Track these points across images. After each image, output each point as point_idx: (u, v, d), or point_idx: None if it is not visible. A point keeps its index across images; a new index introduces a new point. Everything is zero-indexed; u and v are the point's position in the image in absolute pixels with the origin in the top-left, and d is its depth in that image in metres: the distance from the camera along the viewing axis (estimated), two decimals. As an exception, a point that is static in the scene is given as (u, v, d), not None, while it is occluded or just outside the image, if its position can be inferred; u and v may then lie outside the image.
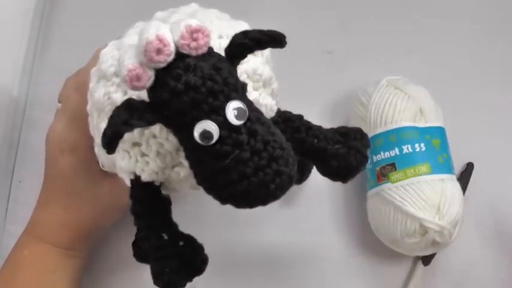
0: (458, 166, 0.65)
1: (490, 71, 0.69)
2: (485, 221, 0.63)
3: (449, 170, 0.60)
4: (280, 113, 0.48)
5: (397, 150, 0.59)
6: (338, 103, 0.67)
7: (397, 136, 0.59)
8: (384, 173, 0.59)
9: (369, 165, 0.60)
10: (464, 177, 0.64)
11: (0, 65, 0.66)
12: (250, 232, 0.63)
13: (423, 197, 0.57)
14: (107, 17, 0.71)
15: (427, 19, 0.70)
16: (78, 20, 0.71)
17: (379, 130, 0.60)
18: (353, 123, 0.62)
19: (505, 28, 0.70)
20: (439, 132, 0.61)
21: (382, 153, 0.60)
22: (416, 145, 0.59)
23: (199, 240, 0.45)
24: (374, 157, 0.60)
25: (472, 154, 0.66)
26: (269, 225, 0.63)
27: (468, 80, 0.69)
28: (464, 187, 0.64)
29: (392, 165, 0.59)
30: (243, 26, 0.47)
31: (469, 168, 0.65)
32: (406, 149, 0.59)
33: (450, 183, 0.59)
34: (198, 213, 0.61)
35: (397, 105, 0.60)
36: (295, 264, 0.63)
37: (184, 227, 0.45)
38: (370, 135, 0.56)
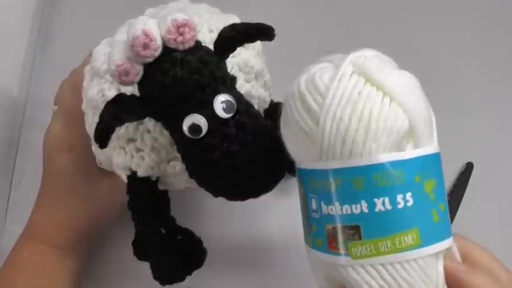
0: (458, 166, 0.65)
1: (490, 70, 0.68)
2: (484, 222, 0.63)
3: (447, 231, 0.37)
4: (273, 105, 0.48)
5: (364, 206, 0.34)
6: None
7: (366, 180, 0.34)
8: (340, 240, 0.35)
9: (313, 212, 0.37)
10: (464, 177, 0.64)
11: (0, 65, 0.66)
12: (249, 224, 0.63)
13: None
14: (107, 17, 0.70)
15: (427, 19, 0.70)
16: (78, 20, 0.71)
17: (336, 165, 0.35)
18: (290, 141, 0.39)
19: (505, 27, 0.70)
20: (435, 163, 0.37)
21: (338, 206, 0.35)
22: (400, 197, 0.34)
23: (198, 233, 0.45)
24: (323, 206, 0.36)
25: (472, 154, 0.65)
26: (268, 217, 0.63)
27: (468, 79, 0.68)
28: (463, 187, 0.63)
29: (355, 230, 0.34)
30: (233, 19, 0.48)
31: (468, 168, 0.64)
32: (381, 204, 0.34)
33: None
34: (195, 207, 0.61)
35: (372, 118, 0.34)
36: (294, 257, 0.62)
37: (182, 221, 0.45)
38: (318, 167, 0.36)
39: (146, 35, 0.35)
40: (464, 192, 0.63)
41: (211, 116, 0.37)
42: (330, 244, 0.35)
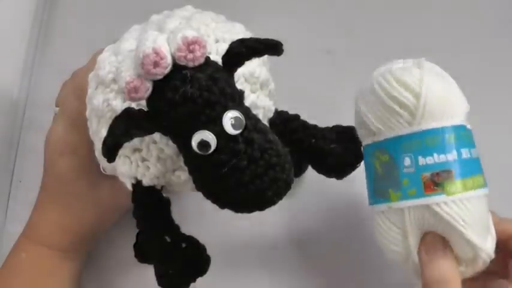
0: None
1: (490, 70, 0.68)
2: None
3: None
4: (277, 114, 0.48)
5: (455, 154, 0.45)
6: (338, 103, 0.67)
7: (456, 136, 0.46)
8: (438, 181, 0.45)
9: (405, 168, 0.46)
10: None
11: (0, 65, 0.66)
12: (250, 225, 0.63)
13: (481, 218, 0.46)
14: (107, 18, 0.71)
15: (428, 18, 0.70)
16: (78, 20, 0.71)
17: (434, 125, 0.45)
18: (385, 112, 0.47)
19: (505, 27, 0.70)
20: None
21: (436, 156, 0.45)
22: (473, 150, 0.47)
23: (199, 235, 0.45)
24: (420, 159, 0.45)
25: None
26: (268, 217, 0.63)
27: (468, 78, 0.68)
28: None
29: (448, 173, 0.45)
30: (239, 28, 0.48)
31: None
32: (465, 153, 0.46)
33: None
34: (196, 208, 0.61)
35: (452, 96, 0.48)
36: (296, 258, 0.63)
37: (185, 223, 0.46)
38: (414, 129, 0.46)
39: (157, 53, 0.35)
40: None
41: (220, 132, 0.37)
42: (426, 188, 0.45)
